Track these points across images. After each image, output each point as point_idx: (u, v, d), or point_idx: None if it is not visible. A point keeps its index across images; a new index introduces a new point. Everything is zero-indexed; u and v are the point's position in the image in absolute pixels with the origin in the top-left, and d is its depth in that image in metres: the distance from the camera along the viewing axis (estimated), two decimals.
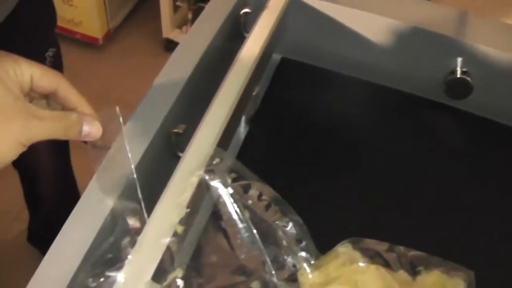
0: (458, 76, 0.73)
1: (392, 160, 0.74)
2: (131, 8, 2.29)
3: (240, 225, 0.55)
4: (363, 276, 0.57)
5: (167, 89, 0.63)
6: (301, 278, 0.56)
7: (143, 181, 0.52)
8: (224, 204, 0.55)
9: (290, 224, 0.57)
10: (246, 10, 0.76)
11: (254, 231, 0.55)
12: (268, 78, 0.82)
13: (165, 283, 0.50)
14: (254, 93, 0.74)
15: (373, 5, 0.78)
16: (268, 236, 0.56)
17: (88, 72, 2.07)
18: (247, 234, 0.55)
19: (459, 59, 0.73)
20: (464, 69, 0.74)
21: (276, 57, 0.85)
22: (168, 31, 2.13)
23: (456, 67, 0.73)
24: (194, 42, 0.69)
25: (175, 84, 0.63)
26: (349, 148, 0.75)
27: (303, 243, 0.57)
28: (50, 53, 1.00)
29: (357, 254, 0.59)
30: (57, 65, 1.03)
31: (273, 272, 0.55)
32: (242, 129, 0.75)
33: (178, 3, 2.08)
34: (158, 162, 0.61)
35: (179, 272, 0.51)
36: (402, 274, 0.60)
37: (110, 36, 2.18)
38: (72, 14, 2.08)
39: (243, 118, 0.74)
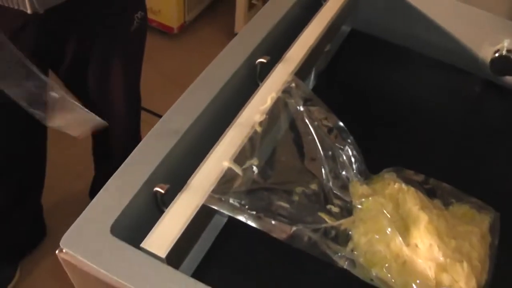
0: (504, 54, 0.83)
1: (437, 124, 0.84)
2: (208, 3, 2.44)
3: (309, 137, 0.66)
4: (404, 195, 0.66)
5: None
6: (352, 189, 0.66)
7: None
8: (298, 119, 0.66)
9: (347, 147, 0.67)
10: None
11: (318, 144, 0.66)
12: (337, 45, 0.93)
13: (243, 166, 0.61)
14: (326, 49, 0.85)
15: None
16: (328, 152, 0.66)
17: (161, 57, 2.22)
18: (312, 145, 0.66)
19: (507, 40, 0.83)
20: (510, 48, 0.84)
21: (346, 28, 0.96)
22: (241, 27, 2.26)
23: (502, 46, 0.83)
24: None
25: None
26: (401, 111, 0.85)
27: (356, 164, 0.67)
28: (138, 15, 1.10)
29: (399, 180, 0.68)
30: (142, 27, 1.14)
31: (330, 179, 0.66)
32: (311, 82, 0.87)
33: (253, 1, 2.22)
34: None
35: (255, 161, 0.62)
36: (437, 202, 0.69)
37: (185, 28, 2.34)
38: (152, 2, 2.23)
39: (313, 71, 0.85)
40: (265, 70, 0.71)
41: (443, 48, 0.91)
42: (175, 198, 0.58)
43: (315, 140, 0.66)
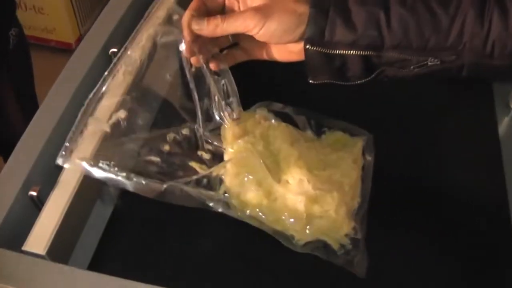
0: None
1: None
2: (99, 12, 2.42)
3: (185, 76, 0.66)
4: (274, 132, 0.67)
5: None
6: (223, 132, 0.67)
7: None
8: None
9: (223, 81, 0.66)
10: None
11: (193, 81, 0.66)
12: None
13: (110, 121, 0.63)
14: None
15: None
16: (204, 89, 0.66)
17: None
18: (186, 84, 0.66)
19: None
20: None
21: None
22: None
23: None
24: None
25: None
26: None
27: (230, 99, 0.67)
28: (13, 32, 1.11)
29: (270, 115, 0.69)
30: (22, 43, 1.15)
31: (201, 123, 0.66)
32: None
33: None
34: None
35: (122, 113, 0.64)
36: (309, 133, 0.71)
37: None
38: (45, 22, 2.22)
39: None
40: None
41: None
42: (49, 195, 0.60)
43: (191, 78, 0.66)
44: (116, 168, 0.59)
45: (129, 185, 0.59)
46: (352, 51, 0.55)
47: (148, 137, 0.66)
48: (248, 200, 0.62)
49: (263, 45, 0.63)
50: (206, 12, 0.60)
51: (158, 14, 0.69)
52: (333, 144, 0.71)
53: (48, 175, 0.63)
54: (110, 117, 0.63)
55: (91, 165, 0.59)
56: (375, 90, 0.72)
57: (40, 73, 1.30)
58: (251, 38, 0.59)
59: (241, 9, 0.60)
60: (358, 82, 0.59)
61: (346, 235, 0.62)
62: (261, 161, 0.63)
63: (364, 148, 0.71)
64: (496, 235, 0.71)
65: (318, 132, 0.71)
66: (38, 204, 0.62)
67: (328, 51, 0.55)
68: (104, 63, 0.73)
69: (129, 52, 0.66)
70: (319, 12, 0.55)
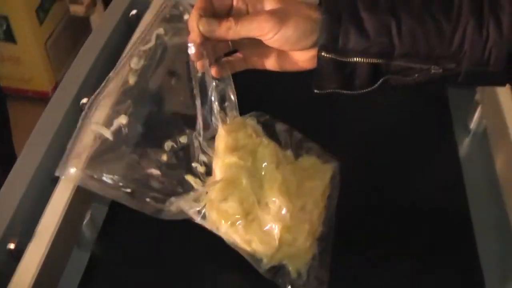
0: None
1: None
2: (73, 58, 2.45)
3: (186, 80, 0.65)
4: (264, 150, 0.66)
5: None
6: (217, 141, 0.65)
7: None
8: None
9: (224, 88, 0.64)
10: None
11: (196, 90, 0.64)
12: None
13: (112, 128, 0.64)
14: None
15: None
16: (206, 96, 0.64)
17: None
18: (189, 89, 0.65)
19: None
20: None
21: None
22: None
23: None
24: None
25: None
26: None
27: (226, 103, 0.64)
28: None
29: (259, 128, 0.68)
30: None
31: (201, 131, 0.65)
32: None
33: None
34: None
35: (123, 119, 0.64)
36: (289, 153, 0.70)
37: None
38: (21, 72, 2.24)
39: None
40: None
41: None
42: (27, 246, 0.62)
43: (196, 83, 0.63)
44: (120, 183, 0.59)
45: (133, 204, 0.59)
46: (363, 59, 0.55)
47: (147, 145, 0.65)
48: (227, 215, 0.63)
49: (265, 53, 0.62)
50: (213, 13, 0.57)
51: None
52: (308, 169, 0.72)
53: (26, 227, 0.65)
54: (112, 123, 0.63)
55: (93, 178, 0.59)
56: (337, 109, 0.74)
57: (18, 123, 1.31)
58: (252, 45, 0.58)
59: (250, 12, 0.58)
60: (363, 91, 0.59)
61: (309, 263, 0.64)
62: (248, 180, 0.63)
63: (332, 176, 0.72)
64: (462, 256, 0.74)
65: (297, 153, 0.71)
66: (16, 256, 0.63)
67: (341, 59, 0.55)
68: (76, 114, 0.76)
69: (136, 51, 0.64)
70: (332, 18, 0.55)
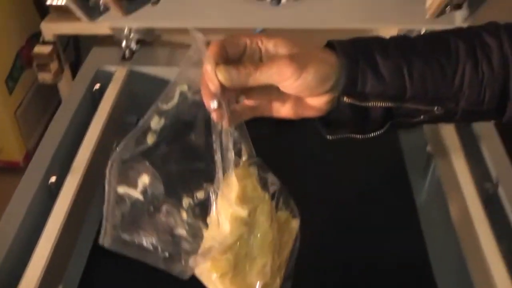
0: None
1: None
2: (45, 123, 2.47)
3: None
4: (263, 206, 0.65)
5: None
6: (227, 186, 0.63)
7: None
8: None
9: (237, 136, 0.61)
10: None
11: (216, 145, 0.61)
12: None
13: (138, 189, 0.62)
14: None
15: None
16: (221, 144, 0.61)
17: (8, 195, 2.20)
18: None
19: None
20: None
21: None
22: None
23: None
24: None
25: None
26: None
27: (238, 145, 0.62)
28: None
29: (257, 182, 0.66)
30: None
31: (220, 185, 0.63)
32: None
33: None
34: None
35: (146, 178, 0.63)
36: (273, 206, 0.68)
37: (31, 156, 2.33)
38: None
39: None
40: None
41: None
42: None
43: (216, 137, 0.60)
44: (159, 248, 0.59)
45: (168, 267, 0.60)
46: (379, 103, 0.55)
47: (170, 203, 0.64)
48: (220, 267, 0.63)
49: (276, 100, 0.59)
50: (226, 61, 0.54)
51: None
52: (283, 223, 0.72)
53: None
54: (137, 184, 0.62)
55: (133, 245, 0.59)
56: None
57: None
58: (262, 92, 0.57)
59: (264, 57, 0.55)
60: (373, 134, 0.59)
61: None
62: (249, 237, 0.64)
63: (297, 233, 0.72)
64: None
65: (277, 206, 0.70)
66: None
67: (360, 103, 0.55)
68: (45, 193, 0.79)
69: (158, 110, 0.62)
70: (351, 62, 0.54)
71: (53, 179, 0.80)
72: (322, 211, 0.87)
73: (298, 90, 0.54)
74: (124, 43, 1.06)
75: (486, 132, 0.90)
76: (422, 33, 0.73)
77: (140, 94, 1.05)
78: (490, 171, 0.86)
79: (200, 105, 0.58)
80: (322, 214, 0.87)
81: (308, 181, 0.94)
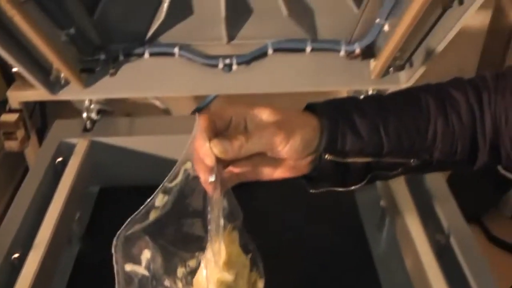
0: None
1: None
2: (11, 194, 2.46)
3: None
4: (243, 270, 0.66)
5: None
6: (215, 250, 0.62)
7: None
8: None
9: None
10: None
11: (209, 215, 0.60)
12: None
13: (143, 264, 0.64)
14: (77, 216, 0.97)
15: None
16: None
17: None
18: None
19: None
20: None
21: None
22: None
23: None
24: None
25: None
26: None
27: (226, 211, 0.62)
28: None
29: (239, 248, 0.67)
30: None
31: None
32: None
33: None
34: None
35: (148, 253, 0.64)
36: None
37: None
38: None
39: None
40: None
41: None
42: None
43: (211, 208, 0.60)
44: None
45: None
46: (359, 159, 0.59)
47: (167, 275, 0.65)
48: None
49: (261, 164, 0.60)
50: (215, 134, 0.56)
51: None
52: (253, 283, 0.71)
53: None
54: (141, 260, 0.64)
55: None
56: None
57: None
58: (248, 158, 0.58)
59: (249, 126, 0.58)
60: (353, 187, 0.62)
61: None
62: None
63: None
64: None
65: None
66: None
67: (340, 160, 0.58)
68: (8, 268, 0.80)
69: (163, 188, 0.64)
70: (331, 123, 0.58)
71: (16, 255, 0.81)
72: (281, 267, 0.89)
73: (288, 154, 0.57)
74: (85, 114, 1.09)
75: (436, 183, 0.94)
76: (369, 93, 0.77)
77: (102, 164, 1.08)
78: (441, 223, 0.90)
79: (198, 179, 0.60)
80: (282, 271, 0.88)
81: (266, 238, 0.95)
